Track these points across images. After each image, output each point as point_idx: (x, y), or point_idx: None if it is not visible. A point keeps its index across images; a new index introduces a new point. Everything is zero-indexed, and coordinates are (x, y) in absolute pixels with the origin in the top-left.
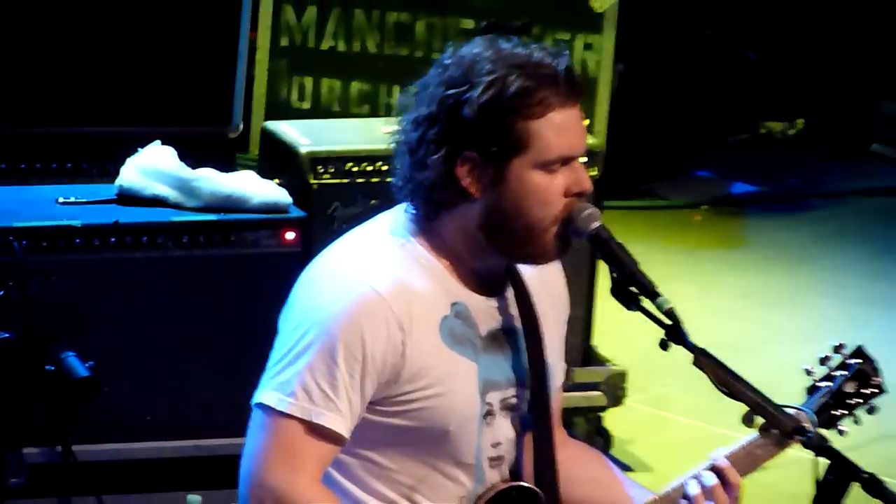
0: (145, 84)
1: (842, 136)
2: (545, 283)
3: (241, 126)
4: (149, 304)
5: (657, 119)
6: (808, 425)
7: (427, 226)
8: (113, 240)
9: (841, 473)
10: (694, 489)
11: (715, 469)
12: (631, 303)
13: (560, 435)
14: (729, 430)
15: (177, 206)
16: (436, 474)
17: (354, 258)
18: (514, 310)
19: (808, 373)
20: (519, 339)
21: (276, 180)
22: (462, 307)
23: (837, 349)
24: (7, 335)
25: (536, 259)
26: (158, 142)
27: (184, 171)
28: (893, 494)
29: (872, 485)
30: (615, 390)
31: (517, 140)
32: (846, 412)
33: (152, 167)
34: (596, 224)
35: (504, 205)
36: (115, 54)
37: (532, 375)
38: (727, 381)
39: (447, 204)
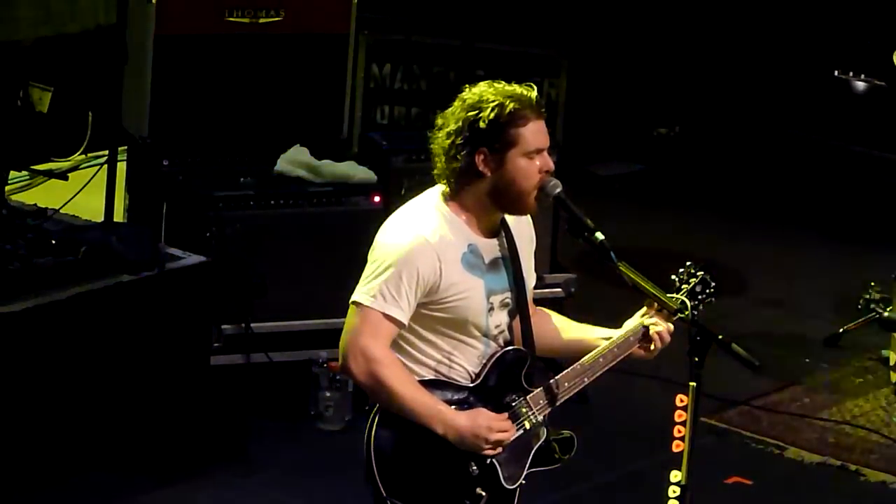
0: (291, 111)
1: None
2: (521, 228)
3: (347, 134)
4: (293, 239)
5: (591, 128)
6: (686, 308)
7: (454, 197)
8: (273, 202)
9: (704, 336)
10: (651, 328)
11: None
12: (578, 236)
13: (532, 310)
14: (637, 307)
15: (310, 182)
16: (462, 344)
17: (412, 218)
18: (504, 247)
19: (677, 279)
20: (507, 263)
21: (367, 166)
22: (474, 247)
23: (692, 265)
24: (207, 259)
25: (522, 212)
26: (298, 144)
27: (313, 160)
28: (732, 348)
29: (722, 344)
30: (569, 287)
31: (511, 140)
32: (698, 302)
33: (295, 158)
34: (558, 189)
35: (505, 179)
36: (274, 98)
37: (514, 285)
38: (635, 282)
39: (469, 182)
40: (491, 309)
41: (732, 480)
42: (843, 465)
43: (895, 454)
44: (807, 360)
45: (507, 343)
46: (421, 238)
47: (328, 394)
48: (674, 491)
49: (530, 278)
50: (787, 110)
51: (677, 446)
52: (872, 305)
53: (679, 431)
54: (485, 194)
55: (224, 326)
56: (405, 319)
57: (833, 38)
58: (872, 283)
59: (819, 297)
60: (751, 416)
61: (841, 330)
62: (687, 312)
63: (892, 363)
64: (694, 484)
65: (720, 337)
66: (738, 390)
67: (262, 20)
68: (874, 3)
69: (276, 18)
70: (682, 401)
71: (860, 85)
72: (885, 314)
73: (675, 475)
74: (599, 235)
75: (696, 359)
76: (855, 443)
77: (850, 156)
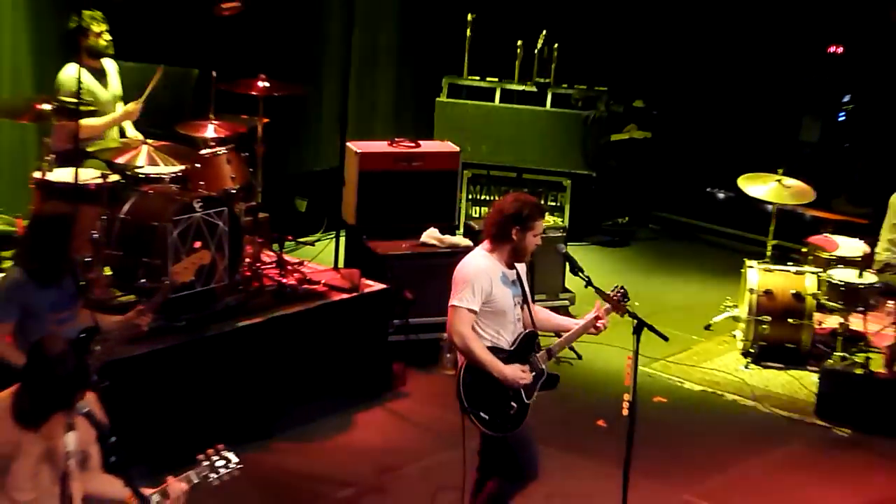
0: (428, 211)
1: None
2: (521, 267)
3: (457, 222)
4: (429, 276)
5: (584, 217)
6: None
7: (493, 250)
8: (420, 257)
9: (640, 323)
10: (598, 314)
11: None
12: (575, 273)
13: (533, 307)
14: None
15: (438, 246)
16: (503, 325)
17: (475, 260)
18: (516, 274)
19: (612, 291)
20: (519, 283)
21: (468, 240)
22: (504, 273)
23: (618, 285)
24: (386, 286)
25: (523, 262)
26: (432, 227)
27: (440, 235)
28: (653, 329)
29: (649, 327)
30: (571, 302)
31: (531, 225)
32: (623, 302)
33: (430, 234)
34: (564, 249)
35: (521, 245)
36: (419, 202)
37: (523, 293)
38: (600, 295)
39: (504, 243)
40: (515, 305)
41: (657, 399)
42: (714, 391)
43: (740, 386)
44: (694, 337)
45: (524, 326)
46: (480, 268)
47: (448, 355)
48: (626, 405)
49: (528, 291)
50: (682, 207)
51: (627, 381)
52: (729, 307)
53: (628, 374)
54: (510, 249)
55: (394, 321)
56: (477, 311)
57: (707, 165)
58: (728, 297)
59: (702, 304)
60: (666, 365)
61: (712, 320)
62: (630, 310)
63: (738, 339)
64: (636, 400)
65: (648, 323)
66: (658, 353)
67: (413, 164)
68: (732, 143)
69: (421, 163)
70: (629, 358)
71: (721, 195)
72: (735, 314)
73: (626, 396)
74: (585, 274)
75: (636, 335)
76: (720, 380)
77: (718, 233)
